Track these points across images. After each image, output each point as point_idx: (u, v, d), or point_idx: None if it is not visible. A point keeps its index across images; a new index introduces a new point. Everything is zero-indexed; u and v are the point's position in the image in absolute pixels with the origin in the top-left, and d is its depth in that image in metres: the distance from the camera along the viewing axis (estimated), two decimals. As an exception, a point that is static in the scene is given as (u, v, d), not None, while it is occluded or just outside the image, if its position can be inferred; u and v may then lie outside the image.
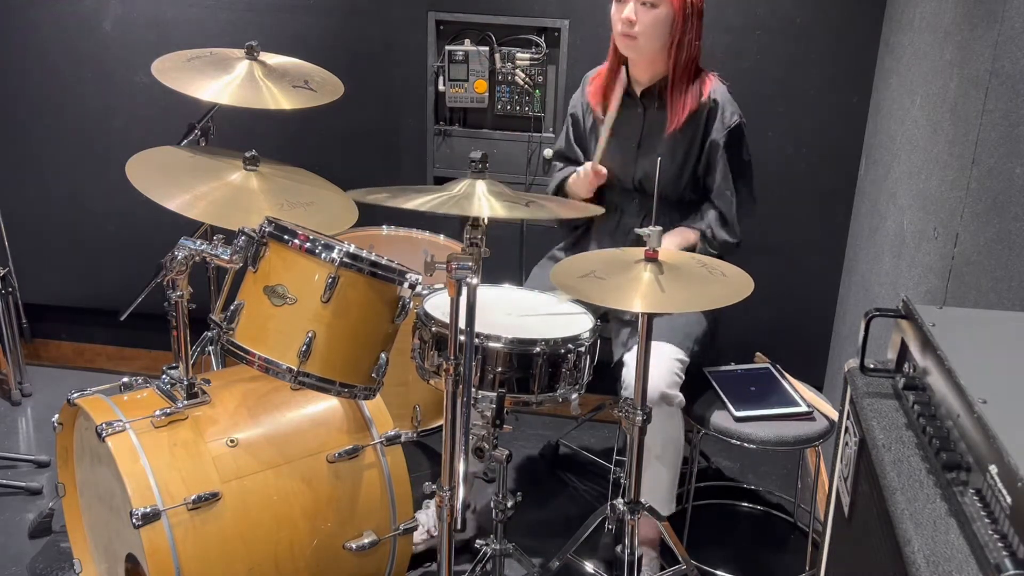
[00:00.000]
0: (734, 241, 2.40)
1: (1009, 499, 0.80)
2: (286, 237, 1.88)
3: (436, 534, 2.43)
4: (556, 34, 2.91)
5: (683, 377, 2.28)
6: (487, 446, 1.88)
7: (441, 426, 1.82)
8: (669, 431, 2.28)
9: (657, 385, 2.18)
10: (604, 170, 2.40)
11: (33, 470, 2.81)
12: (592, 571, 2.39)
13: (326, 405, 2.12)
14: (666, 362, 2.23)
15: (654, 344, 2.23)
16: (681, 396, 2.25)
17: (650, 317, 1.89)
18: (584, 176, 2.41)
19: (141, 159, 2.29)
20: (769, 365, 2.52)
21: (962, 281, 1.65)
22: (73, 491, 2.20)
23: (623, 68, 2.39)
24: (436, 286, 2.10)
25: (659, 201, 2.28)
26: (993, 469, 0.83)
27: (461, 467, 1.65)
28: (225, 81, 2.35)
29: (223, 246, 1.91)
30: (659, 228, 1.85)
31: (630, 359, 2.26)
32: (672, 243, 2.32)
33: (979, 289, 1.55)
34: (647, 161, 2.37)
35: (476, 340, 1.77)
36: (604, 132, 2.37)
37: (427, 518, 2.44)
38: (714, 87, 2.37)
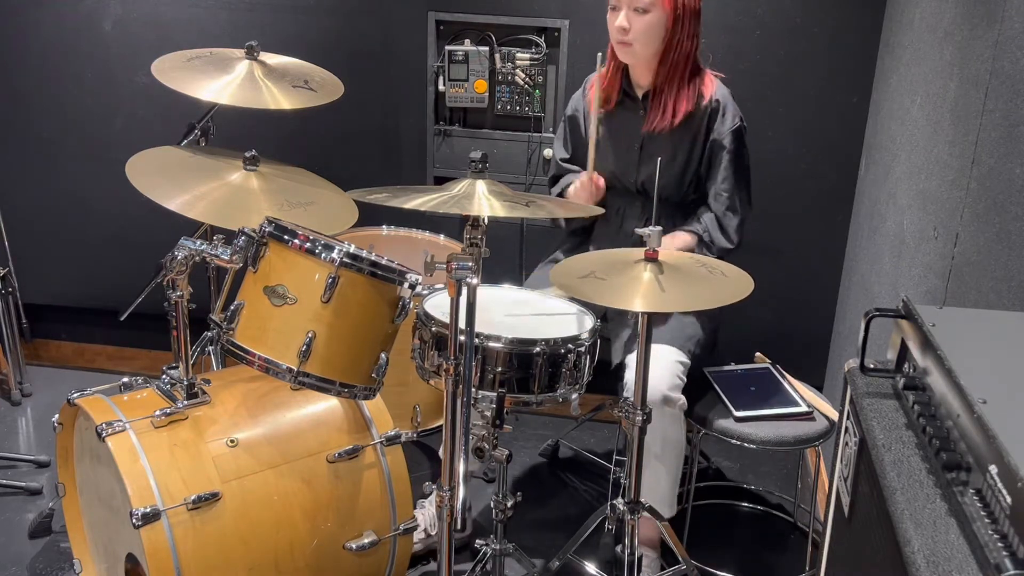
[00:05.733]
0: (730, 246, 2.40)
1: (1009, 499, 0.80)
2: (286, 237, 1.88)
3: (432, 533, 2.43)
4: (556, 34, 2.91)
5: (684, 379, 2.27)
6: (487, 446, 1.88)
7: (441, 426, 1.82)
8: (670, 433, 2.28)
9: (658, 387, 2.18)
10: (602, 180, 2.41)
11: (33, 470, 2.81)
12: (592, 571, 2.39)
13: (326, 405, 2.12)
14: (667, 365, 2.23)
15: (655, 347, 2.23)
16: (683, 399, 2.25)
17: (650, 317, 1.89)
18: (583, 187, 2.41)
19: (141, 159, 2.29)
20: (769, 365, 2.52)
21: (962, 281, 1.65)
22: (73, 491, 2.20)
23: (622, 71, 2.40)
24: (436, 286, 2.10)
25: (661, 203, 2.28)
26: (993, 469, 0.83)
27: (461, 467, 1.65)
28: (225, 81, 2.35)
29: (223, 246, 1.91)
30: (659, 228, 1.85)
31: (632, 361, 2.26)
32: (670, 247, 2.32)
33: (979, 289, 1.55)
34: (649, 164, 2.37)
35: (476, 340, 1.77)
36: (591, 139, 2.37)
37: (423, 518, 2.44)
38: (716, 88, 2.36)
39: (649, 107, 2.37)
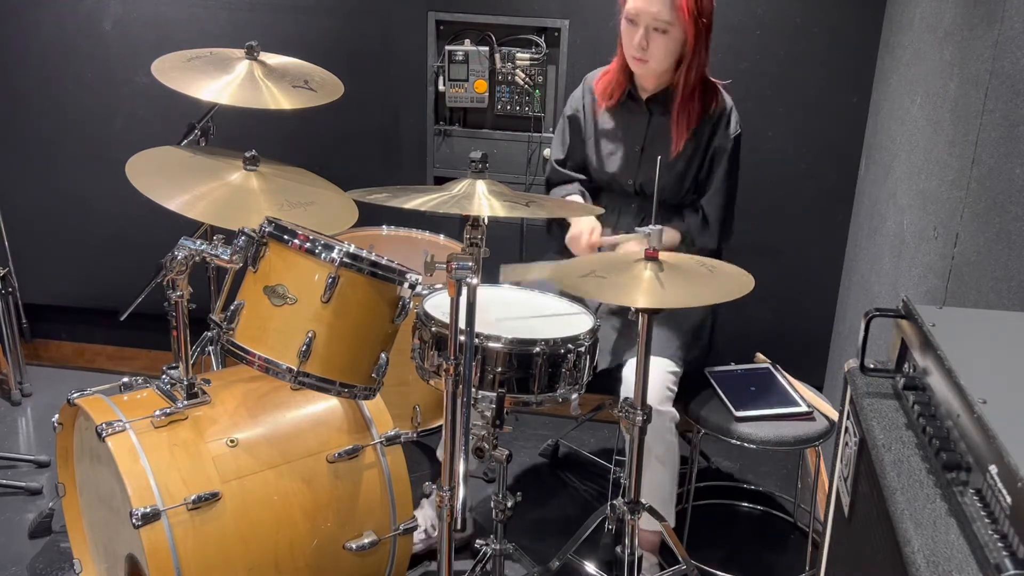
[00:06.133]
0: (713, 247, 2.40)
1: (1009, 499, 0.80)
2: (286, 237, 1.88)
3: (433, 534, 2.43)
4: (556, 34, 2.91)
5: (676, 390, 2.28)
6: (487, 446, 1.88)
7: (441, 426, 1.82)
8: (664, 438, 2.27)
9: (649, 402, 2.17)
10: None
11: (33, 470, 2.81)
12: (592, 571, 2.39)
13: (326, 405, 2.12)
14: (658, 376, 2.23)
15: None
16: (673, 411, 2.25)
17: (650, 316, 1.89)
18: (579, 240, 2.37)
19: (141, 159, 2.29)
20: (769, 365, 2.52)
21: (962, 281, 1.65)
22: (73, 491, 2.20)
23: (628, 74, 2.39)
24: (436, 286, 2.10)
25: (659, 203, 2.29)
26: (993, 469, 0.83)
27: (461, 467, 1.64)
28: (225, 81, 2.35)
29: (223, 246, 1.91)
30: (659, 227, 1.85)
31: (628, 372, 2.25)
32: None
33: (979, 289, 1.55)
34: (649, 166, 2.37)
35: (476, 340, 1.77)
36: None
37: (422, 519, 2.43)
38: (722, 97, 2.38)
39: (672, 124, 2.36)
